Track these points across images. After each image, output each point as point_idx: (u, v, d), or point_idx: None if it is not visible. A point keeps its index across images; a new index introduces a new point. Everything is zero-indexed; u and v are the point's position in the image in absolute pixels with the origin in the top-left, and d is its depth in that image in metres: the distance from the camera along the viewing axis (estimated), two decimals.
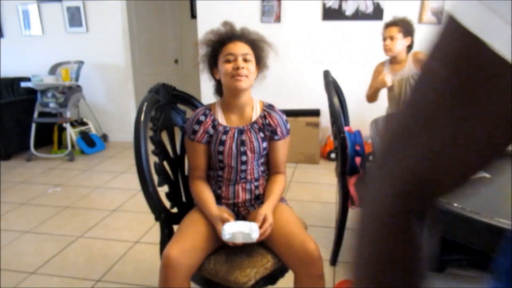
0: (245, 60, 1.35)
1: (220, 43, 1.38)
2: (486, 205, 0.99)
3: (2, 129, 3.83)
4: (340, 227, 1.97)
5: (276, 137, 1.43)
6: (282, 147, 1.46)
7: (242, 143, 1.40)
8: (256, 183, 1.45)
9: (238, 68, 1.32)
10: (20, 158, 4.06)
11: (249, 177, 1.43)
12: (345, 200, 1.92)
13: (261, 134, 1.42)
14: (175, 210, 1.50)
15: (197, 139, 1.40)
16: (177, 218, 1.44)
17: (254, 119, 1.42)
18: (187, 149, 1.46)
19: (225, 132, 1.40)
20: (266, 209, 1.31)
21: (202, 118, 1.41)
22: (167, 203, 1.48)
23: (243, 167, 1.41)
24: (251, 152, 1.40)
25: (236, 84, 1.34)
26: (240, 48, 1.35)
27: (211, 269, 1.24)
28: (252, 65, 1.37)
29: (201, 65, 1.45)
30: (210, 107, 1.45)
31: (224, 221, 1.26)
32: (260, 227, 1.24)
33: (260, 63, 1.43)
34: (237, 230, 1.19)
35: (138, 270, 2.00)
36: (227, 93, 1.41)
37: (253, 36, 1.42)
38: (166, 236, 1.43)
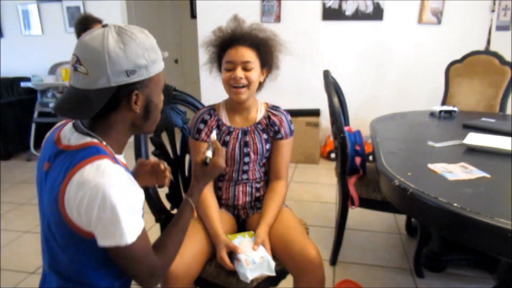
0: (246, 69, 1.27)
1: (222, 47, 1.31)
2: (486, 205, 0.99)
3: (2, 129, 3.82)
4: (340, 227, 1.97)
5: (278, 136, 1.39)
6: (284, 148, 1.40)
7: (246, 144, 1.37)
8: (257, 185, 1.43)
9: (235, 78, 1.26)
10: (20, 158, 4.06)
11: (250, 177, 1.41)
12: (345, 200, 1.92)
13: (265, 136, 1.39)
14: (175, 211, 1.49)
15: (201, 138, 1.36)
16: None
17: (258, 120, 1.39)
18: (191, 149, 1.43)
19: (229, 132, 1.37)
20: (262, 233, 1.26)
21: (206, 117, 1.38)
22: (167, 204, 1.48)
23: (245, 168, 1.39)
24: (254, 153, 1.37)
25: (235, 97, 1.31)
26: (241, 55, 1.26)
27: (212, 271, 1.24)
28: (254, 73, 1.28)
29: (207, 65, 1.40)
30: (214, 107, 1.41)
31: (229, 248, 1.21)
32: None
33: (267, 65, 1.34)
34: (257, 274, 1.17)
35: None
36: (230, 98, 1.38)
37: (260, 35, 1.31)
38: None
